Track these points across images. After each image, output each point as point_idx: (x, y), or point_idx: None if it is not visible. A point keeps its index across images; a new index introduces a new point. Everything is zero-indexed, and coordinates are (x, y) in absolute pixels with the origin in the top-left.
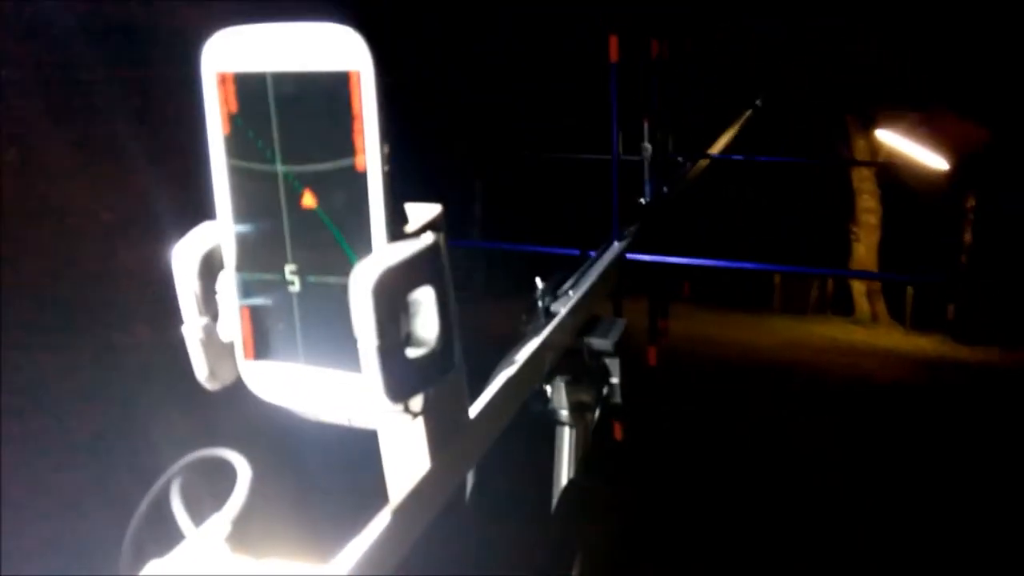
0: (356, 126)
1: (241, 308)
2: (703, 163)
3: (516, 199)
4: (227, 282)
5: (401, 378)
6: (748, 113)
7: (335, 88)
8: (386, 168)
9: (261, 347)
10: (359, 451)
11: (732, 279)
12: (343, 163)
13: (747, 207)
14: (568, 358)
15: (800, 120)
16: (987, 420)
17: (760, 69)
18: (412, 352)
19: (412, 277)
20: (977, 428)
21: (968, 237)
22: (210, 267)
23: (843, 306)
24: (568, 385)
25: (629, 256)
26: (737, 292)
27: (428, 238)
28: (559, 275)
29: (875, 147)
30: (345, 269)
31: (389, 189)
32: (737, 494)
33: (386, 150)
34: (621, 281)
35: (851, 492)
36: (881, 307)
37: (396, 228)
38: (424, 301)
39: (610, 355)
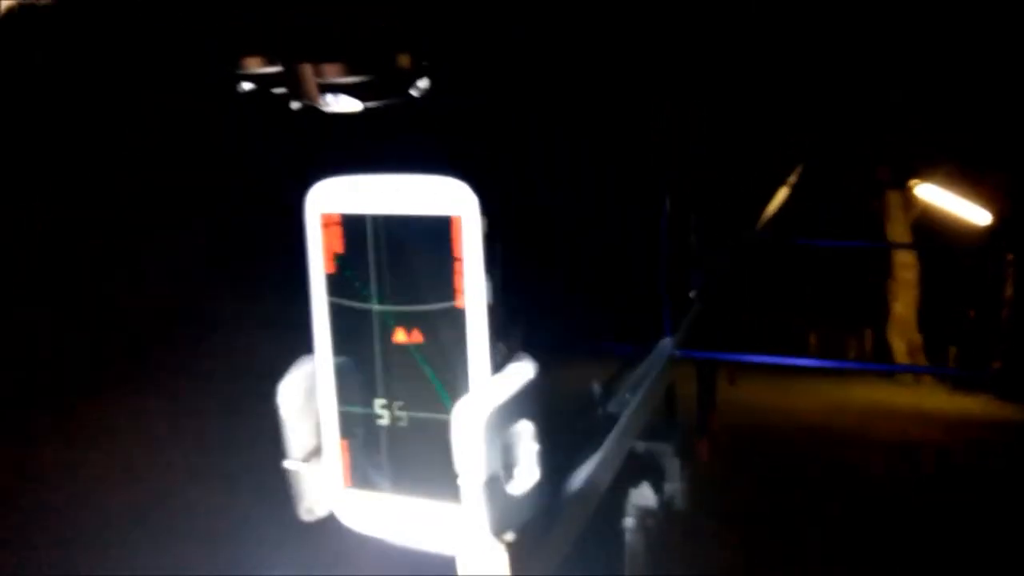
0: (457, 267)
1: (340, 439)
2: (747, 245)
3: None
4: (326, 416)
5: (502, 514)
6: (785, 189)
7: (437, 231)
8: (490, 307)
9: (354, 478)
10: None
11: (766, 340)
12: (442, 303)
13: (781, 270)
14: (628, 462)
15: (834, 178)
16: None
17: (797, 136)
18: (512, 487)
19: (514, 413)
20: None
21: (1009, 292)
22: (311, 402)
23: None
24: (630, 491)
25: (682, 353)
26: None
27: (528, 372)
28: (613, 376)
29: (909, 200)
30: (434, 405)
31: (493, 327)
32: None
33: (489, 289)
34: (674, 377)
35: (908, 566)
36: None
37: (495, 362)
38: (522, 434)
39: (671, 456)
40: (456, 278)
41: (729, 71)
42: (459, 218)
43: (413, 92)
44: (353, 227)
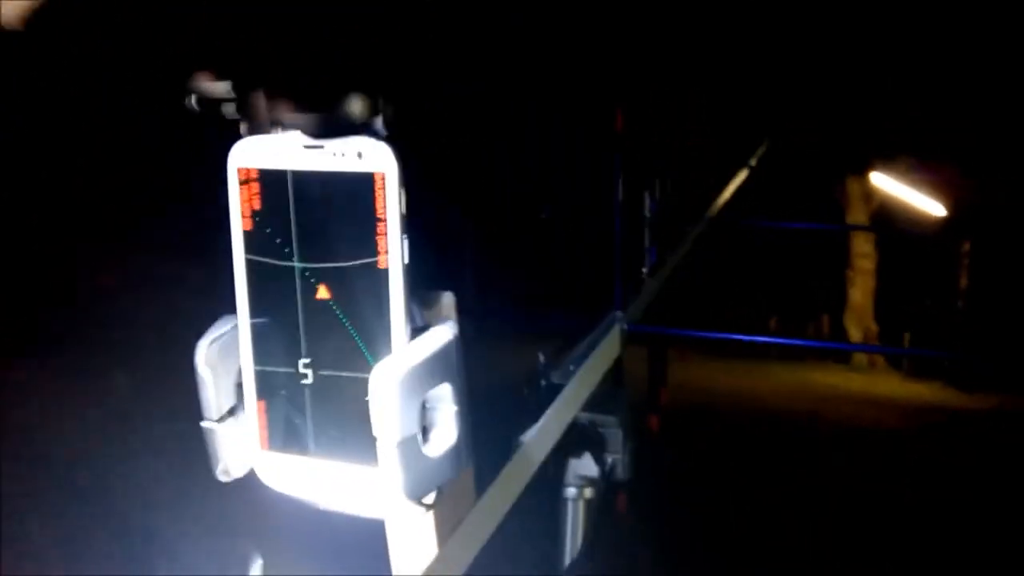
0: (380, 227)
1: (257, 401)
2: (702, 226)
3: (510, 256)
4: (245, 375)
5: (419, 476)
6: (744, 173)
7: (357, 188)
8: (405, 266)
9: (275, 439)
10: (365, 535)
11: (726, 326)
12: (363, 261)
13: (741, 256)
14: (571, 432)
15: (794, 168)
16: (989, 469)
17: (759, 123)
18: (429, 449)
19: (432, 375)
20: (980, 477)
21: (964, 281)
22: (230, 362)
23: (840, 352)
24: (572, 460)
25: (631, 328)
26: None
27: (447, 334)
28: (559, 348)
29: (869, 191)
30: (359, 364)
31: (407, 286)
32: (739, 554)
33: (405, 248)
34: (623, 352)
35: (854, 548)
36: (878, 353)
37: (414, 323)
38: (442, 397)
39: (613, 428)
40: (378, 238)
41: (699, 52)
42: (381, 176)
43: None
44: (272, 183)
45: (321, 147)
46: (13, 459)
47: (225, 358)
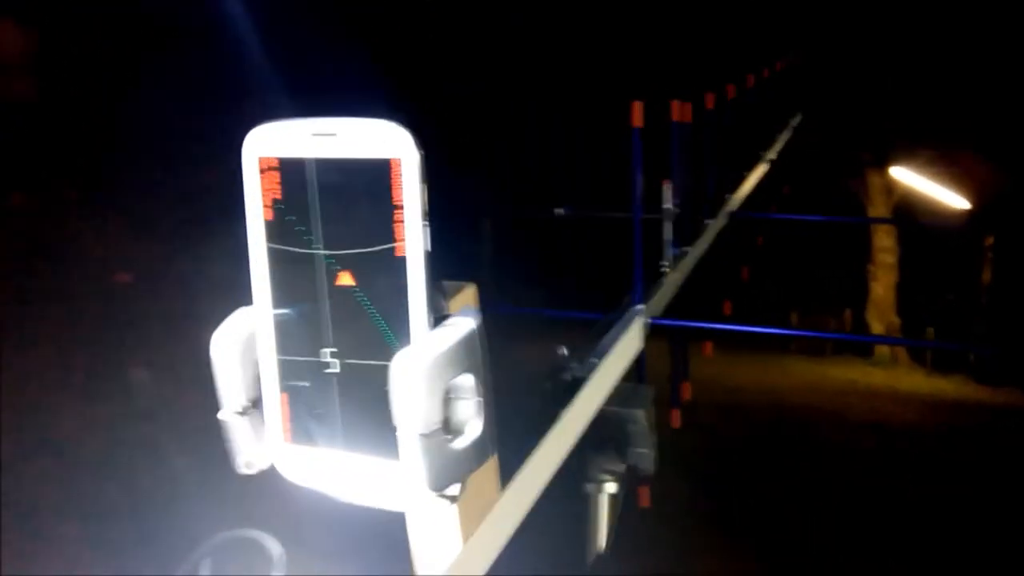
0: (397, 213)
1: (280, 393)
2: (722, 220)
3: (528, 253)
4: (266, 367)
5: (443, 468)
6: (763, 167)
7: (377, 175)
8: (427, 253)
9: (299, 432)
10: (382, 530)
11: (748, 317)
12: (383, 248)
13: (763, 251)
14: (594, 427)
15: (814, 161)
16: (1013, 465)
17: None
18: (452, 441)
19: (454, 365)
20: (1003, 474)
21: (987, 275)
22: (248, 353)
23: (862, 346)
24: (595, 454)
25: (653, 321)
26: (753, 333)
27: (469, 324)
28: (582, 342)
29: (890, 184)
30: (385, 351)
31: (429, 274)
32: (760, 550)
33: (427, 235)
34: (645, 346)
35: (876, 545)
36: (901, 348)
37: (436, 312)
38: (464, 387)
39: (637, 422)
40: (396, 225)
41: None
42: (398, 162)
43: None
44: (292, 171)
45: (335, 134)
46: (36, 456)
47: (242, 349)
